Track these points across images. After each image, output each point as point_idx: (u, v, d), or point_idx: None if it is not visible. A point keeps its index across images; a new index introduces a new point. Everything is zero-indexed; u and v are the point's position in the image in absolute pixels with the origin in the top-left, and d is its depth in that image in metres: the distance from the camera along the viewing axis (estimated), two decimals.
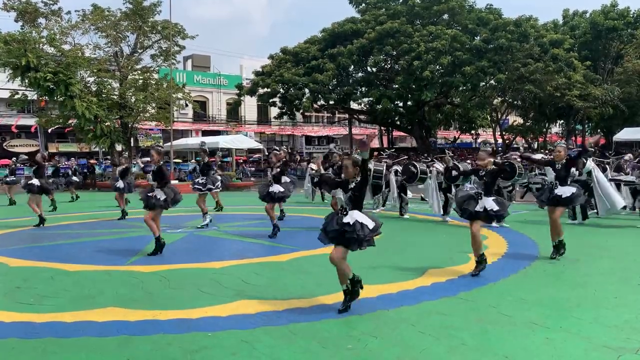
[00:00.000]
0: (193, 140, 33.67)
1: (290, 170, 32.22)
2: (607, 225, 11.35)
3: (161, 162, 8.29)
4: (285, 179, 10.14)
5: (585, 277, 6.54)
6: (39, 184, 11.76)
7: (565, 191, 7.48)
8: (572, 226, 10.91)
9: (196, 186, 11.27)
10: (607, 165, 13.78)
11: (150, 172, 8.28)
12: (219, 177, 11.96)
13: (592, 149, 8.86)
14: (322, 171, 5.91)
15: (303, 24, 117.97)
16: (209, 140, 31.31)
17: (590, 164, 11.06)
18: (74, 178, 18.82)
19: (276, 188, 9.69)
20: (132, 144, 29.80)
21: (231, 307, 5.28)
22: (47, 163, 12.64)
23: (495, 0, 68.24)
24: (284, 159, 10.15)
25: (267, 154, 10.40)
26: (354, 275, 5.08)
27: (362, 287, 5.12)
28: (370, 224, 4.99)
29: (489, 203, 6.56)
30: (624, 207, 12.34)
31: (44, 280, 6.56)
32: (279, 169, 9.92)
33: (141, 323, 4.82)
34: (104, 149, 30.28)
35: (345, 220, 4.97)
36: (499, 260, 7.43)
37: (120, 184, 13.18)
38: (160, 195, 7.97)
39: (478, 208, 6.57)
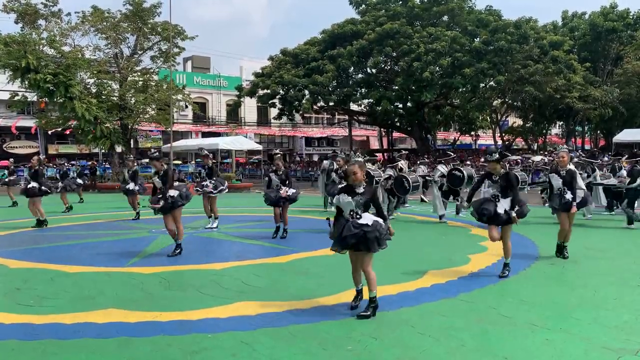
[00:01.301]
0: (193, 142, 33.70)
1: (291, 171, 32.27)
2: (606, 227, 11.36)
3: (164, 167, 8.36)
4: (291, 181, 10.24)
5: (585, 279, 6.55)
6: (38, 187, 11.72)
7: (576, 197, 7.49)
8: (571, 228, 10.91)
9: (205, 189, 11.08)
10: (595, 167, 13.88)
11: (156, 175, 8.33)
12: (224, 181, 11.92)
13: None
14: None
15: (303, 25, 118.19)
16: (209, 141, 31.40)
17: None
18: (79, 180, 18.76)
19: (290, 191, 9.77)
20: (132, 146, 29.80)
21: (231, 308, 5.28)
22: (43, 166, 12.51)
23: (495, 1, 68.41)
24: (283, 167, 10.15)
25: (273, 155, 10.33)
26: (376, 295, 5.05)
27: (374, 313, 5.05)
28: (384, 223, 5.04)
29: (508, 204, 6.39)
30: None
31: (44, 281, 6.57)
32: (284, 173, 9.95)
33: (141, 324, 4.82)
34: (103, 151, 30.27)
35: (363, 221, 4.92)
36: (498, 262, 7.43)
37: (131, 185, 13.28)
38: (174, 192, 8.00)
39: (499, 210, 6.40)
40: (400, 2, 33.52)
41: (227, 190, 11.58)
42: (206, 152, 11.88)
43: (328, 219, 5.31)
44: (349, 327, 4.70)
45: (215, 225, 11.14)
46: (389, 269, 6.98)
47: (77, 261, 7.78)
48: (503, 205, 6.42)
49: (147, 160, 32.42)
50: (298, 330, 4.62)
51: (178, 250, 8.10)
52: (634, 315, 4.98)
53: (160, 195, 8.03)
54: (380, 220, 5.01)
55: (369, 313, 4.93)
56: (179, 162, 36.02)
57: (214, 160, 11.69)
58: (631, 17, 36.81)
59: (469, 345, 4.24)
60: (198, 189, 11.22)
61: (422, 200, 17.15)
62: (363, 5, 34.94)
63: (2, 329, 4.75)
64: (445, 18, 33.18)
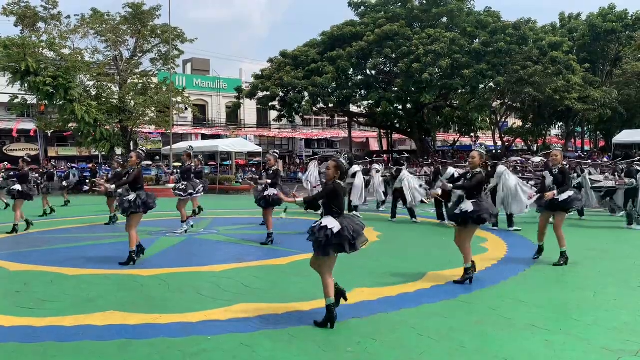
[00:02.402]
0: (193, 144, 33.68)
1: (291, 173, 32.26)
2: (606, 228, 11.37)
3: (139, 166, 7.96)
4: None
5: (585, 280, 6.55)
6: (19, 189, 11.48)
7: (562, 195, 7.37)
8: (571, 229, 10.92)
9: (177, 192, 11.08)
10: (584, 168, 13.95)
11: (127, 174, 7.96)
12: (199, 182, 11.83)
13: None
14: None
15: (302, 26, 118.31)
16: (209, 143, 31.38)
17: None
18: (64, 183, 18.61)
19: (271, 192, 9.25)
20: (131, 148, 29.83)
21: (231, 310, 5.29)
22: (28, 167, 12.20)
23: (494, 2, 68.51)
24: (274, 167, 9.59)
25: (271, 153, 10.03)
26: (331, 304, 4.78)
27: (334, 318, 4.75)
28: (336, 227, 4.67)
29: (465, 205, 6.28)
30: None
31: (44, 284, 6.57)
32: (273, 173, 9.46)
33: (141, 327, 4.83)
34: (103, 153, 30.28)
35: (313, 224, 4.82)
36: (498, 263, 7.44)
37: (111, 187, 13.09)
38: (131, 197, 7.65)
39: (457, 211, 6.36)
40: (400, 4, 33.56)
41: (199, 194, 11.44)
42: (191, 151, 11.76)
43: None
44: (348, 329, 4.70)
45: (184, 229, 10.87)
46: (389, 270, 6.98)
47: (77, 263, 7.78)
48: (462, 207, 6.30)
49: (146, 162, 32.40)
50: (298, 332, 4.62)
51: (130, 261, 7.62)
52: (634, 316, 4.98)
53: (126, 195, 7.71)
54: (331, 225, 4.68)
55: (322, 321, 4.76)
56: (179, 164, 35.96)
57: (193, 163, 11.56)
58: (630, 17, 36.80)
59: (469, 347, 4.25)
60: (176, 191, 11.15)
61: (421, 202, 16.97)
62: (362, 7, 34.98)
63: (3, 331, 4.75)
64: (444, 19, 33.22)
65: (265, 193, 9.26)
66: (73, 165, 30.57)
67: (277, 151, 10.37)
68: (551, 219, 7.63)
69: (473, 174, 6.42)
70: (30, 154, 14.56)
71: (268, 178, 9.39)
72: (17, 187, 11.54)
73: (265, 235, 9.53)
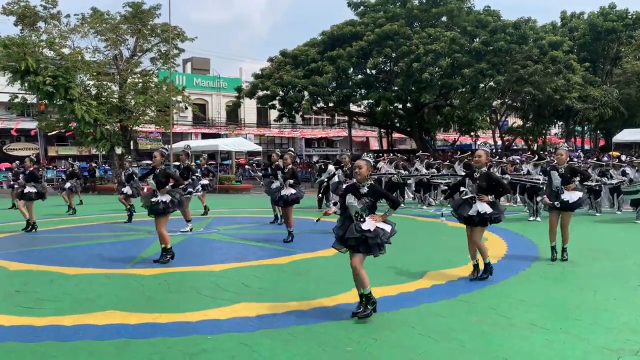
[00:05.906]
0: (193, 144, 33.70)
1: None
2: (606, 227, 11.36)
3: (164, 165, 8.02)
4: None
5: (585, 279, 6.55)
6: (35, 190, 11.37)
7: (572, 196, 7.38)
8: (571, 229, 10.88)
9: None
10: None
11: (152, 176, 7.94)
12: (201, 181, 11.83)
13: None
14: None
15: (302, 26, 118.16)
16: (209, 143, 31.33)
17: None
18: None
19: (289, 191, 9.36)
20: (131, 147, 29.81)
21: (231, 310, 5.28)
22: (35, 167, 12.10)
23: (494, 1, 68.30)
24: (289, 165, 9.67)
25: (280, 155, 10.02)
26: (370, 293, 4.95)
27: (374, 310, 4.98)
28: (388, 228, 5.02)
29: (482, 206, 6.28)
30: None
31: (44, 283, 6.56)
32: (291, 171, 9.53)
33: (141, 326, 4.82)
34: (103, 152, 30.26)
35: (365, 227, 4.88)
36: (498, 262, 7.43)
37: (127, 189, 13.09)
38: (166, 198, 7.66)
39: (471, 212, 6.32)
40: (399, 4, 33.52)
41: (200, 192, 11.43)
42: (188, 150, 11.79)
43: (318, 219, 5.43)
44: (348, 328, 4.70)
45: (187, 228, 10.84)
46: (389, 270, 6.98)
47: (77, 263, 7.78)
48: (477, 207, 6.29)
49: (146, 162, 32.45)
50: (298, 332, 4.62)
51: (169, 256, 7.69)
52: (634, 315, 4.98)
53: (153, 197, 7.71)
54: (383, 226, 4.97)
55: (368, 312, 4.90)
56: (178, 163, 35.92)
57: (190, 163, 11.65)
58: (630, 17, 36.75)
59: (469, 346, 4.25)
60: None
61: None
62: (362, 7, 34.94)
63: (2, 331, 4.75)
64: (444, 19, 33.16)
65: (283, 193, 9.37)
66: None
67: (292, 149, 10.43)
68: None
69: (481, 174, 6.43)
70: (36, 154, 14.41)
71: (285, 177, 9.46)
72: (31, 189, 11.34)
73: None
